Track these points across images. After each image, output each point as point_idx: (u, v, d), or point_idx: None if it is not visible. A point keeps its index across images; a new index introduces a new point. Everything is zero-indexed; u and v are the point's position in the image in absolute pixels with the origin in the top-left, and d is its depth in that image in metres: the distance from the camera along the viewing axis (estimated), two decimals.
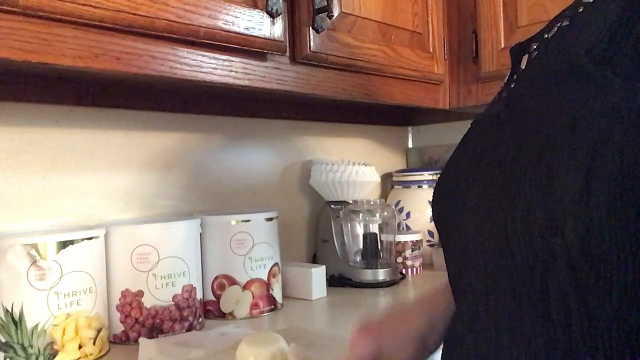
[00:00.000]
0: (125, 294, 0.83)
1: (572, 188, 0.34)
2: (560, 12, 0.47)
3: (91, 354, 0.76)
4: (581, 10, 0.43)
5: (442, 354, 0.49)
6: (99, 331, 0.78)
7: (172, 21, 0.70)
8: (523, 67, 0.50)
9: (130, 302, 0.83)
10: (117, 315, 0.83)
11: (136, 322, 0.83)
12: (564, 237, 0.34)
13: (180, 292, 0.86)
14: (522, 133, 0.40)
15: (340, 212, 1.20)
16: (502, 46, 1.09)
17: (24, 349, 0.71)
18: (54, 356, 0.72)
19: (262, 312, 0.97)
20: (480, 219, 0.41)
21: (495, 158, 0.42)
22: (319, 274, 1.08)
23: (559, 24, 0.45)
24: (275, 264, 1.00)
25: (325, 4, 0.87)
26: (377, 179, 1.25)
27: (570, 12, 0.45)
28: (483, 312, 0.42)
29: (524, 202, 0.36)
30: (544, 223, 0.35)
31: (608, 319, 0.34)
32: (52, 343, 0.72)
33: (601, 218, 0.33)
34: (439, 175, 0.55)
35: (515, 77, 0.51)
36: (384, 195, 1.51)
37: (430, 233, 1.34)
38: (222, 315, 0.95)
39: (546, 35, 0.47)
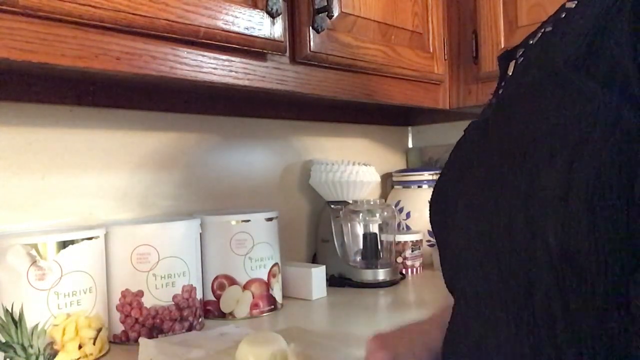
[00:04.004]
0: (125, 294, 0.83)
1: (551, 192, 0.34)
2: (547, 18, 0.47)
3: (91, 354, 0.76)
4: (563, 15, 0.43)
5: None
6: (99, 331, 0.78)
7: (172, 21, 0.70)
8: (510, 74, 0.50)
9: (130, 302, 0.83)
10: (117, 315, 0.83)
11: (136, 322, 0.83)
12: (544, 240, 0.35)
13: (180, 292, 0.86)
14: (506, 139, 0.41)
15: (340, 212, 1.20)
16: (502, 46, 1.09)
17: (24, 349, 0.71)
18: (54, 356, 0.72)
19: (262, 312, 0.97)
20: (468, 227, 0.42)
21: (482, 165, 0.43)
22: (319, 274, 1.08)
23: (543, 30, 0.46)
24: (275, 264, 1.00)
25: (325, 4, 0.87)
26: (377, 179, 1.25)
27: (554, 17, 0.45)
28: (474, 318, 0.42)
29: (506, 208, 0.37)
30: (525, 227, 0.36)
31: (591, 323, 0.34)
32: (52, 343, 0.72)
33: (580, 221, 0.33)
34: (436, 181, 0.55)
35: (503, 83, 0.51)
36: (384, 195, 1.51)
37: (431, 233, 1.34)
38: (222, 315, 0.95)
39: (531, 42, 0.47)
